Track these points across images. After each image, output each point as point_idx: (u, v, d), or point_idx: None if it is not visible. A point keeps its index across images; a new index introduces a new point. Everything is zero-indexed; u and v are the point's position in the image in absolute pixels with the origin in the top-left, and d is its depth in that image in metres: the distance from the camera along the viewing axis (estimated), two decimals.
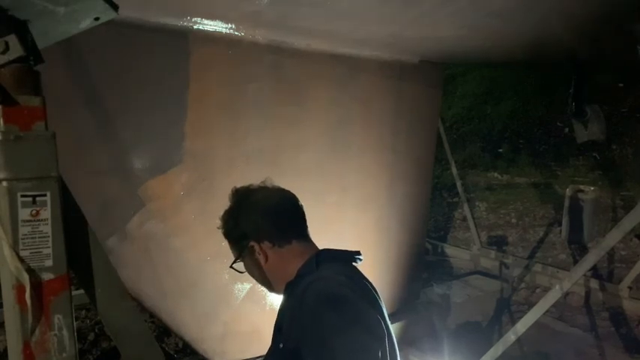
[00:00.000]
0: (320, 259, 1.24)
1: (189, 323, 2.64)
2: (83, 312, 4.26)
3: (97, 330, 4.11)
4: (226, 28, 2.43)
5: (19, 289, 0.96)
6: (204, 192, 2.55)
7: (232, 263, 1.34)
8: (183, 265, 2.56)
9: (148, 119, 2.33)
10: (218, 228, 1.37)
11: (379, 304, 1.25)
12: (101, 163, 2.23)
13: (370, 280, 1.32)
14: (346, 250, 1.33)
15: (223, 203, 2.45)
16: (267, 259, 1.28)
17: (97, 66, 2.14)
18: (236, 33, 2.49)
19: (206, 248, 2.61)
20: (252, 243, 1.28)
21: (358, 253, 1.34)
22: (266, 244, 1.28)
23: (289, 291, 1.26)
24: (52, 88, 1.93)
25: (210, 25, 2.38)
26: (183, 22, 2.29)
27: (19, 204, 0.94)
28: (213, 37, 2.43)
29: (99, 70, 2.15)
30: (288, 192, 1.36)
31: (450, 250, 6.28)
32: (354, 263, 1.32)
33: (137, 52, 2.23)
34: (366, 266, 1.35)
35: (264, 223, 1.28)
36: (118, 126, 2.27)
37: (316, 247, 1.33)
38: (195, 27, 2.34)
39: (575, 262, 5.42)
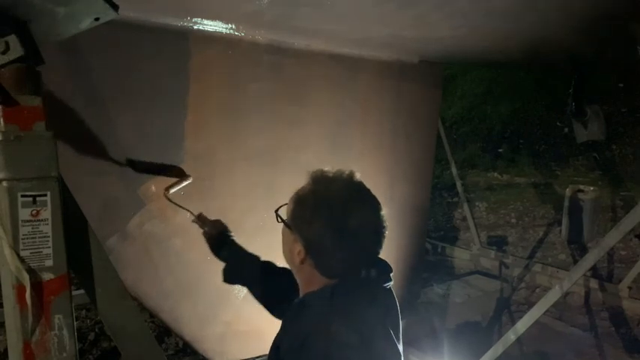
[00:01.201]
0: (336, 291, 1.10)
1: (189, 323, 2.64)
2: (83, 312, 4.26)
3: (97, 330, 4.12)
4: (226, 28, 2.43)
5: (20, 288, 0.96)
6: (205, 192, 2.55)
7: (279, 209, 1.23)
8: (183, 264, 2.56)
9: (148, 119, 2.33)
10: (297, 193, 1.21)
11: (386, 351, 1.13)
12: (101, 163, 2.23)
13: None
14: (372, 276, 1.16)
15: (224, 203, 2.47)
16: (301, 263, 1.16)
17: (97, 66, 2.14)
18: (236, 33, 2.49)
19: (207, 248, 2.60)
20: (301, 244, 1.14)
21: (388, 276, 1.20)
22: (309, 260, 1.14)
23: (299, 308, 1.16)
24: (53, 88, 1.94)
25: (211, 26, 2.38)
26: (184, 23, 2.30)
27: (20, 204, 0.94)
28: (213, 38, 2.43)
29: (99, 70, 2.15)
30: (382, 231, 1.15)
31: (449, 250, 6.28)
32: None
33: (137, 52, 2.23)
34: None
35: (329, 253, 1.12)
36: (119, 126, 2.27)
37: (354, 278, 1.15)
38: (195, 27, 2.34)
39: (575, 262, 5.43)
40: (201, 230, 1.90)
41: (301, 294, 1.21)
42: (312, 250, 1.13)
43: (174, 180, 2.28)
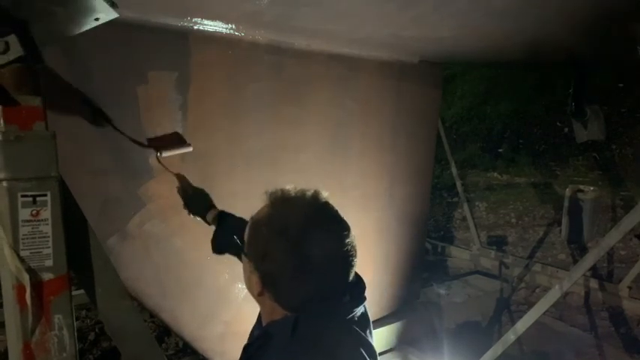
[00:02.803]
0: (300, 322, 0.97)
1: (189, 323, 2.64)
2: (84, 312, 4.26)
3: (97, 330, 4.12)
4: (226, 28, 2.43)
5: (20, 289, 0.96)
6: None
7: (241, 242, 1.11)
8: (183, 264, 2.56)
9: (148, 119, 2.33)
10: (252, 218, 1.07)
11: None
12: (102, 163, 2.23)
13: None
14: (343, 303, 1.03)
15: (223, 203, 2.49)
16: (259, 295, 1.05)
17: (98, 66, 2.14)
18: (236, 33, 2.49)
19: (207, 248, 2.60)
20: (257, 275, 1.03)
21: (361, 299, 1.07)
22: (268, 293, 1.03)
23: (263, 339, 1.05)
24: (53, 88, 1.93)
25: (211, 26, 2.38)
26: (184, 23, 2.30)
27: (20, 204, 0.94)
28: (213, 38, 2.43)
29: (99, 70, 2.15)
30: (351, 260, 1.01)
31: (449, 249, 6.28)
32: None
33: (137, 52, 2.23)
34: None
35: (288, 288, 0.99)
36: (119, 126, 2.26)
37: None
38: (195, 27, 2.34)
39: (575, 262, 5.43)
40: (181, 191, 1.97)
41: (264, 322, 1.11)
42: (269, 283, 1.01)
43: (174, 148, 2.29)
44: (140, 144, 2.20)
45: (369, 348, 1.05)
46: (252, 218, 1.08)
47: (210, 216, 1.88)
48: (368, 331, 1.10)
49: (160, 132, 2.33)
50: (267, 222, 1.02)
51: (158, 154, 2.22)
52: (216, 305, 2.73)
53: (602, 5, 2.06)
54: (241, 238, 1.67)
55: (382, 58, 3.21)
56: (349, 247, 0.99)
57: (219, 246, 1.77)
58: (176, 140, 2.32)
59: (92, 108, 1.98)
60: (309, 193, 1.03)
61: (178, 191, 1.97)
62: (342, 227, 1.02)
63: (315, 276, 0.97)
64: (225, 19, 2.36)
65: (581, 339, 4.16)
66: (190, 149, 2.33)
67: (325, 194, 1.05)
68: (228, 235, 1.67)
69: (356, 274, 1.06)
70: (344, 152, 3.17)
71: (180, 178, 1.99)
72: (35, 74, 0.95)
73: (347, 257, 0.99)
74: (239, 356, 1.16)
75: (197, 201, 1.94)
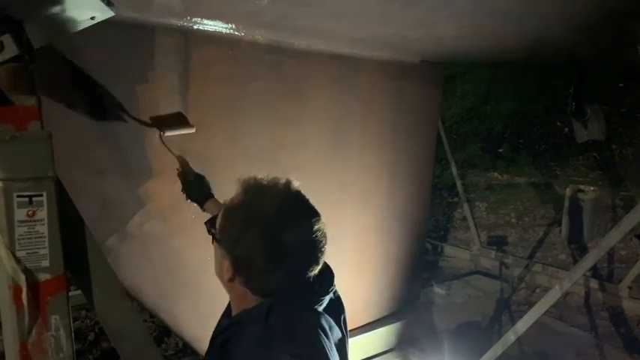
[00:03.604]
0: (273, 310, 0.99)
1: (189, 323, 2.63)
2: (83, 312, 4.26)
3: (97, 330, 4.11)
4: (226, 28, 2.43)
5: (16, 289, 0.96)
6: None
7: (209, 220, 1.16)
8: (183, 264, 2.55)
9: (148, 119, 2.33)
10: (226, 204, 1.11)
11: None
12: (101, 163, 2.23)
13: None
14: (314, 291, 1.07)
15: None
16: (230, 281, 1.06)
17: (98, 66, 2.13)
18: (236, 33, 2.49)
19: (206, 248, 2.59)
20: (228, 261, 1.05)
21: (330, 286, 1.11)
22: (239, 278, 1.05)
23: (235, 328, 1.06)
24: (51, 87, 1.93)
25: (211, 25, 2.37)
26: (184, 23, 2.29)
27: (15, 204, 0.94)
28: (213, 38, 2.43)
29: (99, 70, 2.14)
30: (320, 247, 1.04)
31: (450, 250, 6.28)
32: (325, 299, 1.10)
33: (137, 51, 2.23)
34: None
35: (260, 273, 1.02)
36: (119, 126, 2.26)
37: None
38: (195, 27, 2.34)
39: (575, 262, 5.42)
40: (181, 175, 1.95)
41: (234, 310, 1.12)
42: (241, 268, 1.03)
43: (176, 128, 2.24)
44: (143, 122, 2.16)
45: (340, 337, 1.09)
46: (224, 205, 1.11)
47: (208, 205, 1.87)
48: (341, 318, 1.15)
49: (162, 111, 2.29)
50: (241, 207, 1.05)
51: (161, 133, 2.16)
52: (216, 305, 2.72)
53: (603, 5, 2.06)
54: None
55: (383, 59, 3.20)
56: (320, 233, 1.03)
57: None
58: (179, 120, 2.26)
59: (92, 95, 1.91)
60: (281, 182, 1.08)
61: (178, 174, 1.92)
62: (313, 214, 1.06)
63: (288, 260, 1.00)
64: (225, 19, 2.35)
65: (581, 339, 4.16)
66: (193, 130, 2.27)
67: (297, 183, 1.09)
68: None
69: (325, 263, 1.09)
70: (344, 152, 3.16)
71: (182, 161, 1.93)
72: (30, 74, 0.94)
73: (318, 242, 1.03)
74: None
75: (196, 187, 1.91)
